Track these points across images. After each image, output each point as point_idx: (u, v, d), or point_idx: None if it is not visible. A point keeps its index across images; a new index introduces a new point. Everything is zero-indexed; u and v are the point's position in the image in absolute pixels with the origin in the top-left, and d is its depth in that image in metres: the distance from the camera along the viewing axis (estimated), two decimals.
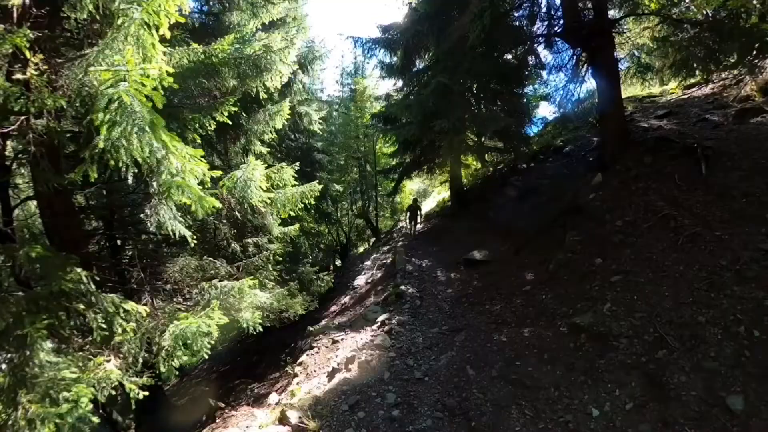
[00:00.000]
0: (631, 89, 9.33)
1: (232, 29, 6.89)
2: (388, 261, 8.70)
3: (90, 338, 3.57)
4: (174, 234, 3.47)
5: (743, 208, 4.72)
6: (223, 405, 5.71)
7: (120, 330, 3.34)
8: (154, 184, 3.77)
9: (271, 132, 6.54)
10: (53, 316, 3.13)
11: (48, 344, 3.03)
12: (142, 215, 4.28)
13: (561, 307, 4.38)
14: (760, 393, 2.79)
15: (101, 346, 3.58)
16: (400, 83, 9.22)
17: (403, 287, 6.13)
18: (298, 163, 6.55)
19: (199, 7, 7.11)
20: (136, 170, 2.82)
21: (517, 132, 8.86)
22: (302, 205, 5.72)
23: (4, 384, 2.74)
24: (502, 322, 4.55)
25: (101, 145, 2.47)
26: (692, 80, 8.47)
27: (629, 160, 6.67)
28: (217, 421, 5.36)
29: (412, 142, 8.57)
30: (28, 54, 3.03)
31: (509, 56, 8.68)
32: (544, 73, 9.31)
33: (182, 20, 3.35)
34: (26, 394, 2.66)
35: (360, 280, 8.99)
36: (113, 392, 3.42)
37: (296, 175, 6.09)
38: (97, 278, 3.65)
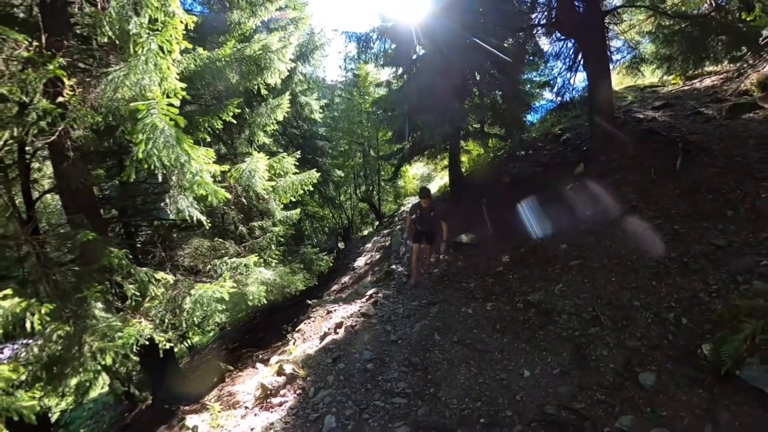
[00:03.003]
0: (634, 78, 9.81)
1: (233, 27, 7.75)
2: (387, 244, 9.70)
3: (126, 304, 4.72)
4: (192, 219, 4.51)
5: (707, 204, 5.29)
6: (231, 368, 6.92)
7: (152, 294, 4.45)
8: (174, 178, 4.86)
9: (273, 124, 7.47)
10: (102, 285, 4.25)
11: (100, 305, 4.17)
12: (162, 204, 5.38)
13: (522, 286, 5.29)
14: (672, 373, 3.27)
15: (134, 310, 4.72)
16: (400, 70, 9.89)
17: (393, 266, 7.14)
18: (299, 152, 7.52)
19: (200, 5, 7.97)
20: (164, 171, 3.83)
21: (517, 119, 9.51)
22: (302, 191, 6.72)
23: (71, 332, 3.87)
24: (472, 298, 5.49)
25: (140, 155, 3.48)
26: (695, 72, 8.94)
27: (614, 151, 7.38)
28: (226, 380, 6.57)
29: (403, 133, 9.37)
30: (65, 80, 3.96)
31: (511, 40, 9.29)
32: (542, 62, 9.85)
33: (189, 46, 4.31)
34: (89, 336, 3.79)
35: (360, 261, 10.05)
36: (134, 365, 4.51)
37: (297, 163, 7.07)
38: (130, 256, 4.77)
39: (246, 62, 6.31)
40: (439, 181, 14.41)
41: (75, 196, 5.01)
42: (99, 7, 4.40)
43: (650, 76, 9.72)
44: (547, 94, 10.16)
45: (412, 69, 9.60)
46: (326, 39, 9.77)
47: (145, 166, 3.69)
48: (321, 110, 9.89)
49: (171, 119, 3.43)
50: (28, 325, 3.40)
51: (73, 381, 4.15)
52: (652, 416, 3.00)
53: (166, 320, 4.66)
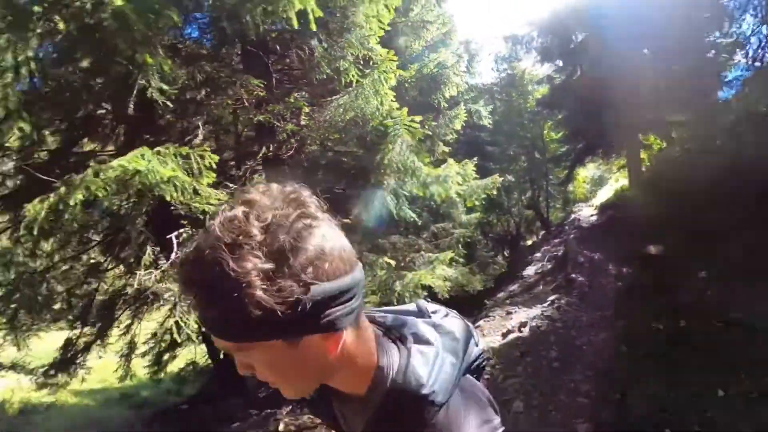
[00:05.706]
0: None
1: (400, 51, 8.84)
2: (559, 253, 9.58)
3: None
4: (407, 218, 5.55)
5: None
6: None
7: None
8: (388, 182, 5.94)
9: (451, 133, 8.30)
10: None
11: None
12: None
13: (721, 304, 4.89)
14: None
15: None
16: (561, 63, 9.45)
17: (573, 276, 7.24)
18: (476, 158, 8.17)
19: None
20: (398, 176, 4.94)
21: (703, 99, 7.73)
22: (484, 196, 7.36)
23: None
24: (662, 314, 5.21)
25: (385, 161, 4.58)
26: None
27: None
28: None
29: (572, 131, 8.73)
30: (305, 108, 5.21)
31: None
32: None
33: (405, 73, 5.32)
34: None
35: (529, 271, 10.02)
36: None
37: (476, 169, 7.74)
38: None
39: (425, 80, 7.27)
40: (614, 183, 13.23)
41: None
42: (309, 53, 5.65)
43: None
44: (739, 58, 7.89)
45: (575, 61, 9.09)
46: (478, 45, 10.14)
47: (381, 171, 4.83)
48: (489, 116, 10.38)
49: (410, 132, 4.46)
50: None
51: None
52: None
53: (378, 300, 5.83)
